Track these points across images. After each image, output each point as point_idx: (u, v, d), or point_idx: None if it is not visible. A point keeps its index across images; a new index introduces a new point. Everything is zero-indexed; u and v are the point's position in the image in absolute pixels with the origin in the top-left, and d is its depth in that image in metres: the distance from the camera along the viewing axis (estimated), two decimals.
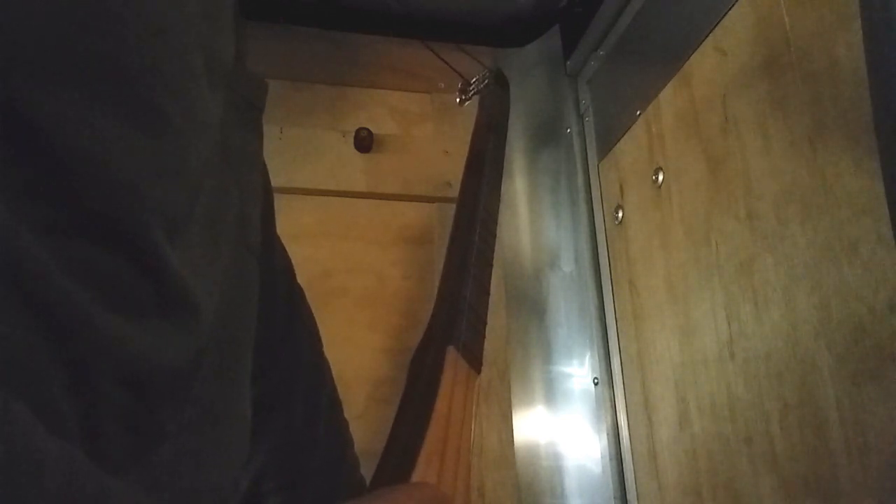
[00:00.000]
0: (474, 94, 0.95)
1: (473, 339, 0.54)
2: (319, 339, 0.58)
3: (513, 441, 0.97)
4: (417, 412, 0.46)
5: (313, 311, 0.59)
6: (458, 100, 0.97)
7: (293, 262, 0.57)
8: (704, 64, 0.76)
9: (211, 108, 0.33)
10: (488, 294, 0.61)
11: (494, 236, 0.69)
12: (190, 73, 0.30)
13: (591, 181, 1.07)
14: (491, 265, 0.65)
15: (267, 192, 0.49)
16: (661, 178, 0.84)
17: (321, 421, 0.54)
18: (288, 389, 0.53)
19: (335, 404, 0.58)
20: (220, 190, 0.36)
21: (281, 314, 0.53)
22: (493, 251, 0.67)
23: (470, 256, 0.62)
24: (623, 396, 0.93)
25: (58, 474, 0.20)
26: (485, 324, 0.58)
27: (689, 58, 0.78)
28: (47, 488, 0.19)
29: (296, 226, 0.98)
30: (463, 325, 0.54)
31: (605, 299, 1.00)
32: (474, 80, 0.97)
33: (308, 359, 0.56)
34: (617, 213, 0.97)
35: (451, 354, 0.50)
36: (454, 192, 0.80)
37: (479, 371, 0.53)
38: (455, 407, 0.48)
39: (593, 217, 1.05)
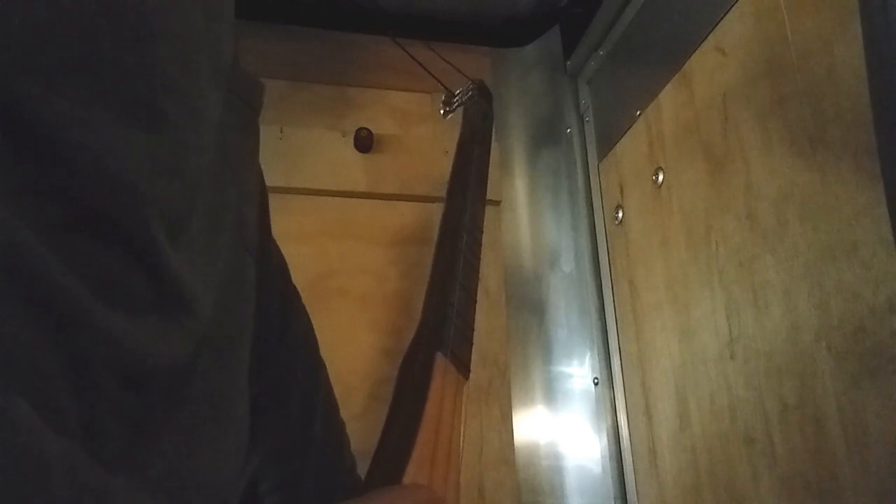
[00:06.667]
0: (458, 106, 0.95)
1: (461, 345, 0.55)
2: (315, 340, 0.58)
3: (513, 441, 0.97)
4: (407, 417, 0.46)
5: (313, 311, 0.59)
6: (441, 112, 0.97)
7: (293, 262, 0.57)
8: (704, 64, 0.76)
9: (211, 107, 0.33)
10: (475, 301, 0.62)
11: (480, 245, 0.70)
12: (192, 74, 0.30)
13: (591, 181, 1.07)
14: (478, 272, 0.66)
15: (262, 194, 0.49)
16: (661, 178, 0.84)
17: (318, 421, 0.54)
18: (284, 390, 0.53)
19: (331, 405, 0.58)
20: (218, 190, 0.36)
21: (276, 315, 0.53)
22: (479, 260, 0.67)
23: (457, 264, 0.62)
24: (623, 396, 0.93)
25: (61, 474, 0.20)
26: (472, 330, 0.58)
27: (689, 58, 0.78)
28: (51, 488, 0.19)
29: (296, 226, 0.98)
30: (451, 331, 0.54)
31: (605, 299, 1.00)
32: (458, 91, 0.97)
33: (304, 359, 0.56)
34: (617, 213, 0.97)
35: (440, 360, 0.51)
36: None
37: (467, 377, 0.53)
38: (444, 412, 0.48)
39: (593, 217, 1.05)
